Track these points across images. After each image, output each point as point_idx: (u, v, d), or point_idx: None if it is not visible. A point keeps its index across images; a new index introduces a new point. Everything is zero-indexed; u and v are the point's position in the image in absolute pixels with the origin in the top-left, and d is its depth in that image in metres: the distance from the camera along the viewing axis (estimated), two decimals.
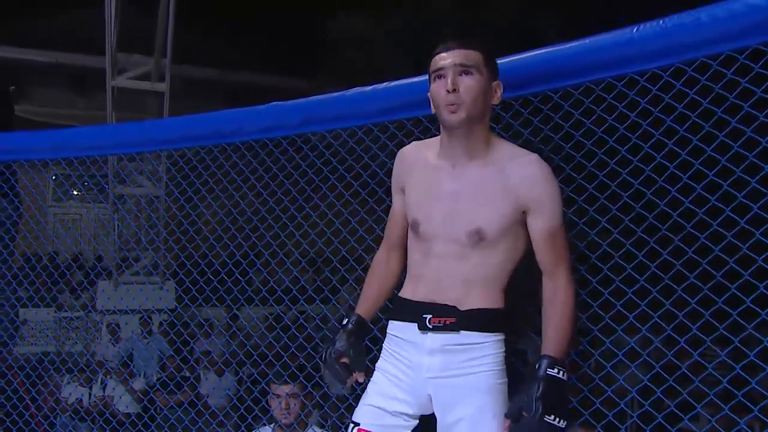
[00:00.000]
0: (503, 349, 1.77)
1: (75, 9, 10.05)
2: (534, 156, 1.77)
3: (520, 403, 1.63)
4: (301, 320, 2.89)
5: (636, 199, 2.09)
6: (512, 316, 1.84)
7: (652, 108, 2.06)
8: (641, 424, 2.12)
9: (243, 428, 2.95)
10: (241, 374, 5.31)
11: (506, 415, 1.67)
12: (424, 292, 1.78)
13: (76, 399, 5.30)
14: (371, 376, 1.88)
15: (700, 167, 1.96)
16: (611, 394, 2.14)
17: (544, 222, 1.73)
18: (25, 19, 10.20)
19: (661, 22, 1.98)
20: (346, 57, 9.67)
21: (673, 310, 2.01)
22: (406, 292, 1.84)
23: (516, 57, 2.18)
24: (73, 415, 4.19)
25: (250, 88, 10.41)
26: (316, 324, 3.43)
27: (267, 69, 10.63)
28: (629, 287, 2.08)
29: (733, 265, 1.89)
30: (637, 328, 2.24)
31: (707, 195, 1.94)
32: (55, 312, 7.24)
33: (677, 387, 2.06)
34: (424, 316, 1.75)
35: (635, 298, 2.07)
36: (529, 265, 1.81)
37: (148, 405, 4.78)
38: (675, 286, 2.01)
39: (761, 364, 1.88)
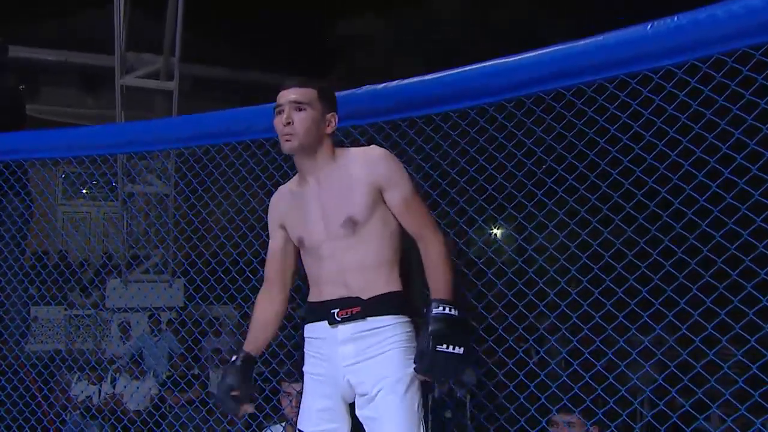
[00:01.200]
0: (410, 330, 1.94)
1: (84, 9, 10.09)
2: (371, 147, 2.03)
3: (419, 346, 1.85)
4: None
5: (650, 197, 2.08)
6: (414, 300, 2.01)
7: (666, 105, 2.04)
8: (655, 424, 2.11)
9: (254, 426, 2.96)
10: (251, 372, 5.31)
11: (413, 360, 1.85)
12: (328, 291, 1.96)
13: (87, 397, 5.33)
14: (302, 382, 2.05)
15: (716, 165, 1.94)
16: (625, 393, 2.13)
17: (397, 194, 1.94)
18: (35, 18, 10.24)
19: (675, 18, 1.97)
20: (353, 57, 9.68)
21: (688, 308, 2.00)
22: (312, 297, 2.02)
23: (529, 54, 2.17)
24: (84, 413, 4.21)
25: (259, 87, 10.39)
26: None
27: (275, 68, 10.62)
28: (643, 286, 2.07)
29: (749, 263, 1.87)
30: (651, 327, 2.22)
31: (723, 193, 1.92)
32: (66, 310, 7.28)
33: (692, 386, 2.04)
34: (331, 311, 1.93)
35: (649, 297, 2.06)
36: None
37: (159, 403, 4.80)
38: (690, 285, 2.00)
39: None
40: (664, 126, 2.06)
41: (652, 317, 2.13)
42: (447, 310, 1.85)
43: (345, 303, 1.93)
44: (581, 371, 2.23)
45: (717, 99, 1.95)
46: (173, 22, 6.96)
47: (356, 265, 1.93)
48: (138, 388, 5.20)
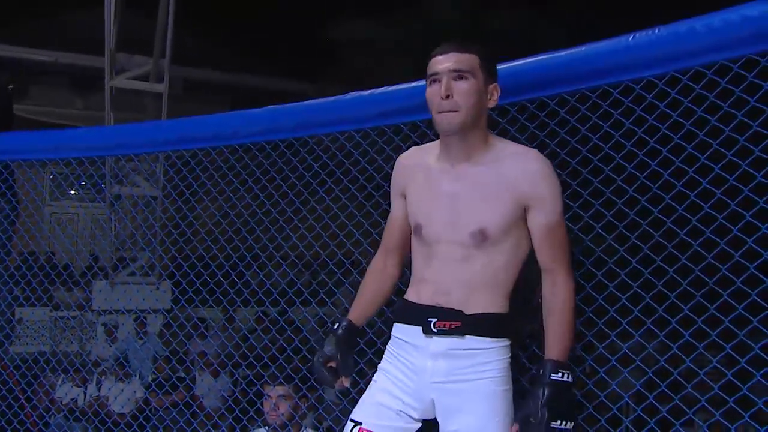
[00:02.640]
0: (508, 355, 1.74)
1: (74, 8, 10.05)
2: (533, 151, 1.77)
3: (527, 409, 1.62)
4: (297, 323, 2.90)
5: (630, 205, 2.11)
6: (518, 323, 1.82)
7: (647, 116, 2.08)
8: (634, 430, 2.13)
9: (238, 430, 2.96)
10: (236, 376, 5.31)
11: (515, 421, 1.65)
12: (429, 296, 1.76)
13: (71, 399, 5.30)
14: (373, 376, 1.87)
15: (695, 175, 1.97)
16: (604, 399, 2.16)
17: (543, 217, 1.71)
18: (25, 17, 10.19)
19: (656, 30, 2.00)
20: (348, 61, 9.70)
21: (666, 316, 2.03)
22: (410, 295, 1.82)
23: (512, 63, 2.19)
24: (68, 416, 4.19)
25: (250, 91, 10.42)
26: (311, 326, 3.44)
27: (268, 72, 10.63)
28: (623, 293, 2.09)
29: (726, 272, 1.90)
30: (631, 334, 2.25)
31: (701, 202, 1.96)
32: (51, 311, 7.24)
33: (670, 393, 2.07)
34: (428, 319, 1.73)
35: (629, 304, 2.09)
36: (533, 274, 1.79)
37: (144, 406, 4.78)
38: (668, 293, 2.03)
39: (752, 371, 1.90)
40: (644, 136, 2.09)
41: (632, 324, 2.16)
42: (565, 378, 1.62)
43: (445, 314, 1.72)
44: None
45: (696, 110, 1.99)
46: (164, 24, 6.96)
47: (469, 277, 1.73)
48: (123, 390, 5.18)
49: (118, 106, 7.46)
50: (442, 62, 1.71)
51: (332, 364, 1.88)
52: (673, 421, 2.04)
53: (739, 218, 1.87)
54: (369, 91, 2.46)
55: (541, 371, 1.64)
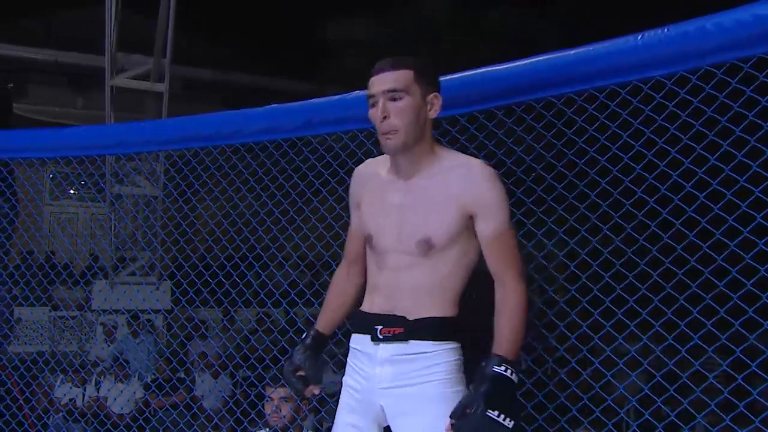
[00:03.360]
0: (456, 358, 1.75)
1: (75, 8, 10.03)
2: (477, 161, 1.78)
3: (465, 400, 1.64)
4: (299, 324, 2.88)
5: (639, 206, 2.08)
6: (473, 327, 1.81)
7: (655, 116, 2.05)
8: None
9: (239, 431, 2.93)
10: (237, 377, 5.28)
11: (451, 415, 1.65)
12: (379, 304, 1.80)
13: (70, 399, 5.27)
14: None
15: (704, 176, 1.95)
16: (611, 403, 2.13)
17: (489, 226, 1.73)
18: (25, 17, 10.17)
19: (665, 30, 1.98)
20: (347, 60, 9.67)
21: (675, 318, 2.00)
22: (364, 305, 1.87)
23: (520, 63, 2.17)
24: (67, 416, 4.16)
25: (250, 90, 10.40)
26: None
27: (267, 71, 10.62)
28: (630, 295, 2.07)
29: (736, 274, 1.88)
30: (638, 336, 2.23)
31: (710, 204, 1.93)
32: (51, 311, 7.21)
33: (677, 396, 2.05)
34: (375, 327, 1.76)
35: (636, 307, 2.07)
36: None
37: (143, 407, 4.75)
38: (677, 295, 2.00)
39: (762, 374, 1.87)
40: (653, 136, 2.07)
41: (639, 327, 2.14)
42: (508, 373, 1.63)
43: (389, 321, 1.76)
44: (567, 380, 2.23)
45: (706, 110, 1.96)
46: (165, 24, 6.93)
47: (414, 285, 1.76)
48: (122, 391, 5.15)
49: (117, 105, 7.44)
50: (377, 84, 1.74)
51: (301, 372, 1.93)
52: (681, 425, 2.01)
53: (749, 220, 1.85)
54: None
55: (484, 364, 1.66)
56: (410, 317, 1.74)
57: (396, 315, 1.75)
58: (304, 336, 1.98)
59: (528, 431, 2.18)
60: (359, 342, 1.83)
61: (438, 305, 1.75)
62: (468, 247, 1.77)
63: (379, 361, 1.76)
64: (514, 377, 1.64)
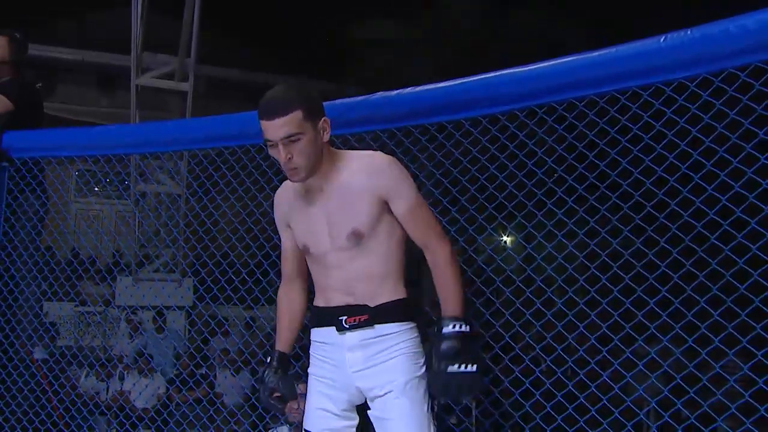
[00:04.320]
0: (416, 335, 1.94)
1: (102, 8, 10.19)
2: (376, 153, 1.99)
3: (431, 366, 1.85)
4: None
5: (660, 209, 2.08)
6: (422, 306, 2.02)
7: (677, 118, 2.05)
8: None
9: (261, 427, 2.98)
10: (260, 373, 5.33)
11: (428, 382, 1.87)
12: (336, 298, 1.96)
13: (95, 393, 5.37)
14: (306, 383, 2.06)
15: (726, 178, 1.95)
16: (630, 404, 2.14)
17: (401, 204, 1.91)
18: (53, 17, 10.35)
19: (689, 32, 1.98)
20: (372, 61, 9.70)
21: (696, 321, 2.00)
22: (319, 302, 2.02)
23: (542, 64, 2.18)
24: (93, 409, 4.24)
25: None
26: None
27: (290, 71, 10.69)
28: (651, 297, 2.07)
29: (758, 277, 1.87)
30: (657, 338, 2.23)
31: (732, 206, 1.93)
32: (77, 306, 7.33)
33: (698, 399, 2.04)
34: (339, 318, 1.93)
35: (657, 309, 2.07)
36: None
37: (167, 401, 4.82)
38: (698, 298, 2.00)
39: None
40: (675, 138, 2.06)
41: (658, 329, 2.14)
42: (458, 327, 1.84)
43: (352, 311, 1.93)
44: (587, 381, 2.24)
45: (728, 113, 1.96)
46: (190, 24, 7.02)
47: (363, 274, 1.93)
48: (147, 386, 5.24)
49: (142, 104, 7.55)
50: (272, 130, 1.85)
51: (277, 394, 2.10)
52: (702, 427, 2.01)
53: None
54: (396, 91, 2.47)
55: (436, 329, 1.86)
56: (372, 304, 1.92)
57: (358, 304, 1.92)
58: (269, 360, 2.14)
59: (547, 430, 2.19)
60: (322, 335, 1.99)
61: (390, 287, 1.94)
62: (392, 228, 1.94)
63: (347, 348, 1.93)
64: (464, 328, 1.84)
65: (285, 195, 2.10)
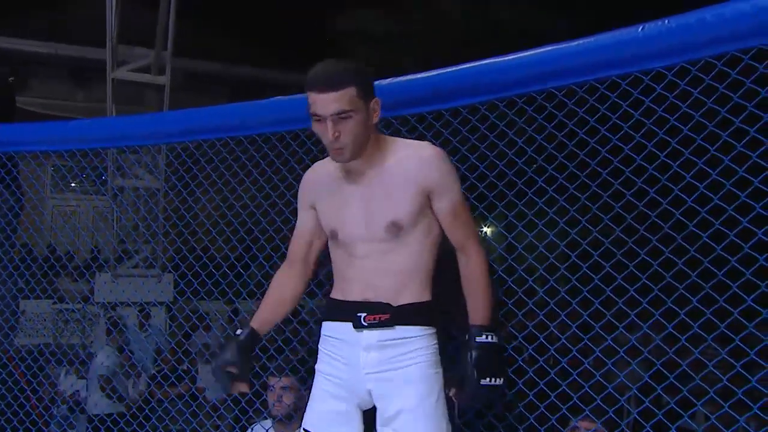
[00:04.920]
0: (435, 342, 1.85)
1: (74, 0, 10.02)
2: (425, 143, 1.89)
3: (459, 372, 1.78)
4: (303, 314, 2.90)
5: (639, 197, 2.10)
6: (444, 306, 1.91)
7: (655, 107, 2.07)
8: (641, 420, 2.14)
9: (243, 422, 2.97)
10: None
11: (449, 384, 1.80)
12: (356, 292, 1.85)
13: (75, 391, 5.31)
14: (313, 380, 1.95)
15: (704, 166, 1.97)
16: (612, 391, 2.16)
17: (445, 201, 1.83)
18: (25, 9, 10.16)
19: (666, 21, 1.99)
20: (356, 53, 9.66)
21: (675, 307, 2.03)
22: (336, 294, 1.91)
23: (521, 54, 2.19)
24: (73, 407, 4.19)
25: (252, 83, 10.38)
26: (318, 318, 3.44)
27: (269, 63, 10.60)
28: (631, 284, 2.09)
29: (735, 263, 1.90)
30: (638, 326, 2.25)
31: (710, 194, 1.95)
32: (55, 303, 7.24)
33: (677, 384, 2.07)
34: (358, 314, 1.81)
35: (637, 296, 2.09)
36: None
37: (149, 397, 4.79)
38: (676, 284, 2.03)
39: (762, 362, 1.90)
40: (653, 127, 2.08)
41: (638, 316, 2.17)
42: (489, 338, 1.79)
43: (373, 308, 1.81)
44: (569, 368, 2.26)
45: (706, 101, 1.98)
46: (166, 15, 6.93)
47: (391, 270, 1.82)
48: (133, 385, 5.19)
49: (119, 98, 7.44)
50: (322, 105, 1.74)
51: (231, 369, 1.93)
52: (681, 412, 2.04)
53: (748, 210, 1.87)
54: (376, 82, 2.45)
55: (467, 337, 1.80)
56: (394, 303, 1.81)
57: (380, 302, 1.81)
58: (237, 332, 1.98)
59: (530, 419, 2.21)
60: (335, 330, 1.88)
61: (416, 288, 1.84)
62: (431, 225, 1.86)
63: (363, 347, 1.81)
64: (495, 340, 1.79)
65: (318, 177, 1.99)
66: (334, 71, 1.75)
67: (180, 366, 5.00)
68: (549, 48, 2.17)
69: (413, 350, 1.81)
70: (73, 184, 9.63)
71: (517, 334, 2.53)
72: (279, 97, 2.66)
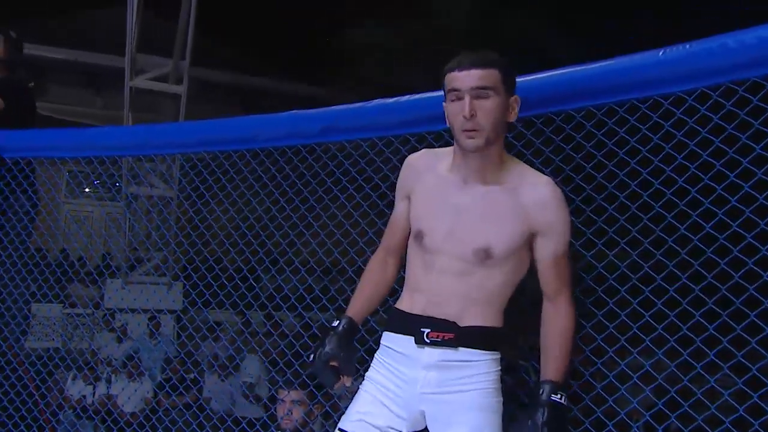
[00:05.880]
0: (498, 368, 1.75)
1: (96, 8, 10.15)
2: (547, 179, 1.76)
3: (526, 429, 1.66)
4: (314, 329, 2.89)
5: (656, 221, 2.09)
6: (510, 334, 1.84)
7: (675, 131, 2.06)
8: None
9: None
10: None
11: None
12: (422, 306, 1.75)
13: (82, 396, 5.32)
14: (360, 384, 1.84)
15: (723, 193, 1.95)
16: (624, 417, 2.13)
17: (551, 247, 1.73)
18: (46, 16, 10.30)
19: (687, 46, 1.98)
20: (360, 66, 9.73)
21: (690, 334, 2.00)
22: (402, 304, 1.81)
23: (542, 75, 2.18)
24: (81, 413, 4.20)
25: (265, 94, 10.48)
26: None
27: (282, 75, 10.69)
28: (646, 310, 2.07)
29: (753, 292, 1.88)
30: (651, 351, 2.23)
31: (729, 221, 1.94)
32: (66, 308, 7.26)
33: (691, 412, 2.04)
34: (422, 330, 1.72)
35: (652, 321, 2.07)
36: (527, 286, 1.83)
37: (156, 406, 4.78)
38: (693, 311, 2.01)
39: None
40: (672, 151, 2.07)
41: (653, 342, 2.14)
42: (561, 399, 1.67)
43: (438, 325, 1.72)
44: (580, 392, 2.23)
45: (726, 127, 1.96)
46: (185, 26, 7.01)
47: (465, 292, 1.72)
48: (136, 390, 5.19)
49: (135, 106, 7.52)
50: (463, 79, 1.66)
51: (334, 363, 1.83)
52: None
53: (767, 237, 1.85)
54: (394, 99, 2.46)
55: (540, 391, 1.68)
56: (461, 324, 1.71)
57: (446, 320, 1.71)
58: (336, 324, 1.88)
59: None
60: (397, 342, 1.78)
61: (487, 315, 1.74)
62: (522, 263, 1.76)
63: (423, 365, 1.72)
64: (566, 402, 1.67)
65: (417, 165, 1.87)
66: (482, 54, 1.68)
67: (188, 375, 4.99)
68: (568, 69, 2.17)
69: (475, 374, 1.71)
70: (87, 190, 9.70)
71: (527, 356, 2.50)
72: (293, 110, 2.67)
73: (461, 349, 1.71)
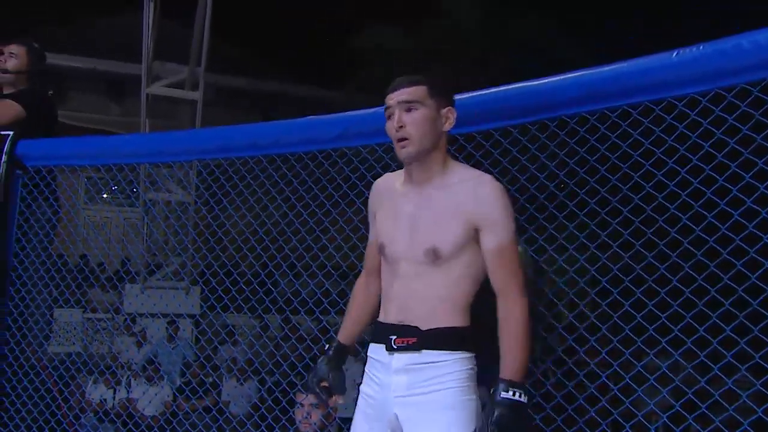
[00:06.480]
0: (469, 367, 1.80)
1: (113, 16, 10.28)
2: (486, 176, 1.86)
3: (480, 426, 1.72)
4: (332, 332, 2.91)
5: (672, 223, 2.09)
6: (486, 336, 1.83)
7: (689, 133, 2.06)
8: None
9: None
10: (269, 383, 5.35)
11: None
12: (394, 314, 1.86)
13: (102, 399, 5.38)
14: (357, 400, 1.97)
15: (738, 194, 1.95)
16: (641, 419, 2.13)
17: (493, 239, 1.79)
18: (63, 24, 10.44)
19: (701, 47, 1.98)
20: (377, 70, 9.76)
21: (707, 335, 2.00)
22: (381, 315, 1.93)
23: (555, 78, 2.19)
24: (103, 417, 4.26)
25: (280, 99, 10.54)
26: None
27: (299, 79, 10.75)
28: (663, 311, 2.07)
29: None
30: (669, 352, 2.23)
31: (745, 222, 1.93)
32: (86, 313, 7.35)
33: (709, 414, 2.04)
34: (390, 337, 1.83)
35: (668, 323, 2.07)
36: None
37: (177, 410, 4.83)
38: (710, 312, 2.00)
39: None
40: (686, 153, 2.07)
41: (669, 343, 2.14)
42: (516, 396, 1.69)
43: (403, 331, 1.82)
44: (597, 394, 2.24)
45: (741, 128, 1.96)
46: (200, 32, 7.07)
47: (426, 295, 1.81)
48: (156, 394, 5.24)
49: (152, 112, 7.60)
50: (393, 97, 1.86)
51: (325, 383, 2.02)
52: None
53: None
54: None
55: (493, 390, 1.72)
56: (423, 327, 1.80)
57: (409, 325, 1.82)
58: (327, 348, 2.08)
59: None
60: (376, 351, 1.90)
61: (449, 315, 1.81)
62: (474, 259, 1.83)
63: (394, 370, 1.82)
64: (522, 398, 1.69)
65: (380, 187, 2.03)
66: (410, 75, 1.88)
67: (207, 379, 5.04)
68: (583, 72, 2.17)
69: (441, 375, 1.78)
70: (105, 196, 9.82)
71: (545, 358, 2.51)
72: (310, 116, 2.70)
73: (424, 351, 1.79)
